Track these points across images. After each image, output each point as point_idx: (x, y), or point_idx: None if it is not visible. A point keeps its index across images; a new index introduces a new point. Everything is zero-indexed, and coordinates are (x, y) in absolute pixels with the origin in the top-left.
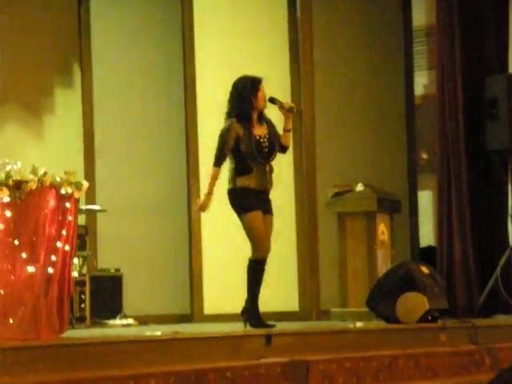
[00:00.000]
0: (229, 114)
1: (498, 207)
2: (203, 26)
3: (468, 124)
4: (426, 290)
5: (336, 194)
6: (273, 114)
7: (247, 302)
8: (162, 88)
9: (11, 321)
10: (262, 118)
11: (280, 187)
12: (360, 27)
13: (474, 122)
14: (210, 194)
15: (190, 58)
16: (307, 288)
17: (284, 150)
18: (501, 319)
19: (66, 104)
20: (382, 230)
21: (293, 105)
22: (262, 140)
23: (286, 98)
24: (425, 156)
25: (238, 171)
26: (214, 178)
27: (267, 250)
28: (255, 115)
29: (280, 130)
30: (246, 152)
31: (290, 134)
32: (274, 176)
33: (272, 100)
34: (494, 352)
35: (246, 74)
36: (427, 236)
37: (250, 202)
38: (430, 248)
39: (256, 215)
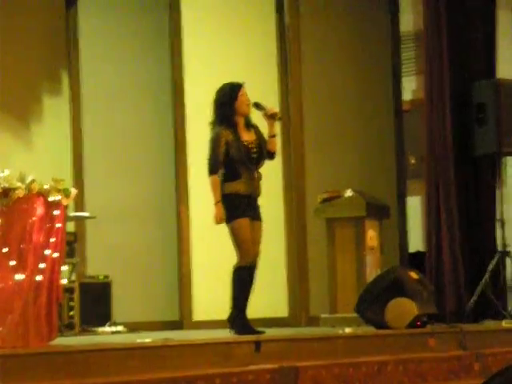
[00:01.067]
0: (214, 123)
1: (486, 212)
2: (191, 32)
3: (456, 129)
4: (415, 296)
5: (325, 200)
6: (258, 119)
7: (232, 308)
8: (150, 93)
9: (0, 329)
10: (250, 125)
11: (269, 193)
12: (348, 33)
13: (461, 127)
14: (218, 202)
15: (178, 63)
16: (296, 294)
17: (271, 156)
18: (490, 324)
19: (54, 110)
20: (371, 236)
21: (276, 111)
22: (250, 146)
23: (274, 103)
24: (413, 161)
25: (227, 177)
26: (216, 185)
27: (253, 256)
28: (241, 121)
29: (266, 136)
30: (236, 157)
31: (276, 139)
32: (263, 181)
33: (257, 105)
34: (483, 357)
35: (227, 81)
36: (416, 241)
37: (238, 208)
38: (418, 253)
39: (243, 222)
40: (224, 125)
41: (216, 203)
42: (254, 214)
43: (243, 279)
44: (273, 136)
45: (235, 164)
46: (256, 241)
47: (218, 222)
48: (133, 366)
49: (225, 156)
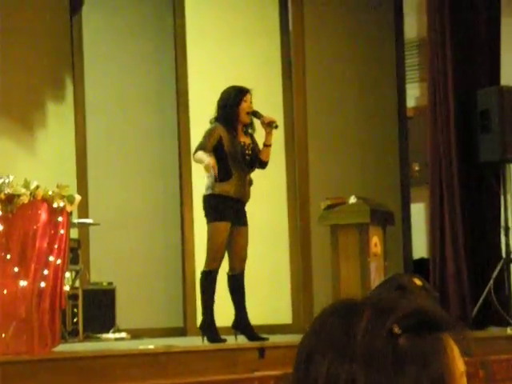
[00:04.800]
0: (214, 119)
1: (490, 219)
2: (195, 39)
3: (460, 136)
4: None
5: (328, 207)
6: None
7: (236, 314)
8: (154, 100)
9: (3, 335)
10: (247, 132)
11: (272, 200)
12: (352, 40)
13: (465, 134)
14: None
15: (183, 70)
16: (300, 301)
17: (263, 165)
18: (494, 331)
19: (58, 117)
20: (375, 243)
21: (273, 119)
22: (245, 147)
23: (278, 110)
24: (417, 168)
25: (219, 176)
26: (201, 155)
27: (239, 262)
28: (239, 127)
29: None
30: (231, 152)
31: (269, 149)
32: (268, 189)
33: (254, 113)
34: (488, 364)
35: (234, 84)
36: (420, 248)
37: (222, 211)
38: (422, 260)
39: (221, 226)
40: (222, 123)
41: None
42: (239, 220)
43: (208, 285)
44: (268, 145)
45: (228, 161)
46: (241, 246)
47: (209, 166)
48: (136, 372)
49: (218, 152)
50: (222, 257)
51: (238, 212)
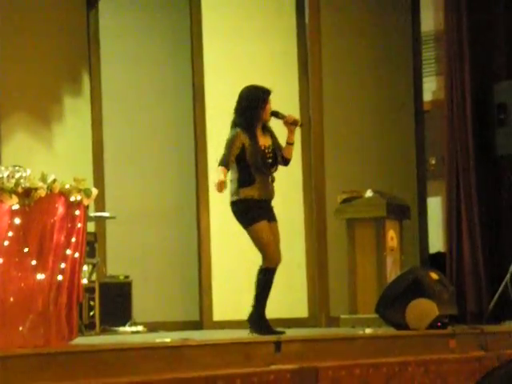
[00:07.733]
0: (235, 123)
1: (507, 212)
2: (212, 35)
3: (477, 129)
4: (436, 296)
5: (345, 201)
6: (276, 125)
7: (253, 308)
8: (171, 95)
9: (21, 328)
10: (266, 129)
11: (288, 194)
12: (368, 34)
13: (482, 128)
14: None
15: (199, 65)
16: (316, 294)
17: (286, 162)
18: (510, 325)
19: (75, 111)
20: (392, 236)
21: (297, 118)
22: (266, 150)
23: (294, 104)
24: (433, 162)
25: (241, 182)
26: (224, 173)
27: (278, 257)
28: (259, 126)
29: (283, 142)
30: (251, 161)
31: (292, 147)
32: (284, 183)
33: (275, 114)
34: (504, 358)
35: (254, 83)
36: (436, 242)
37: (254, 212)
38: (439, 254)
39: (262, 225)
40: (244, 128)
41: (221, 180)
42: (270, 216)
43: (268, 281)
44: (291, 143)
45: (250, 169)
46: (277, 241)
47: (219, 187)
48: (153, 365)
49: (240, 160)
50: (279, 251)
51: (266, 210)
